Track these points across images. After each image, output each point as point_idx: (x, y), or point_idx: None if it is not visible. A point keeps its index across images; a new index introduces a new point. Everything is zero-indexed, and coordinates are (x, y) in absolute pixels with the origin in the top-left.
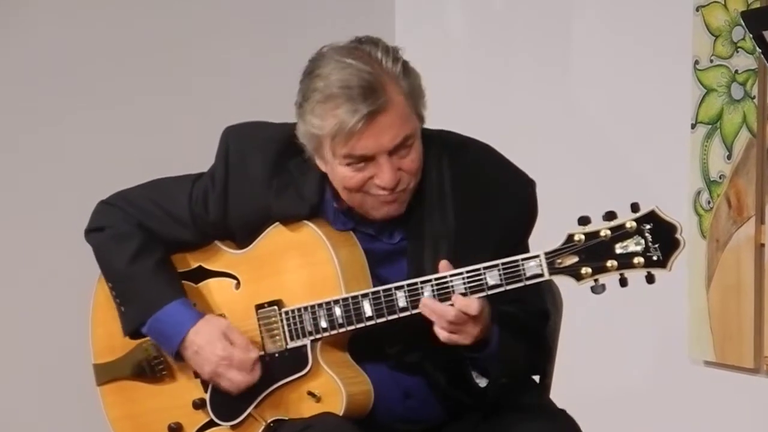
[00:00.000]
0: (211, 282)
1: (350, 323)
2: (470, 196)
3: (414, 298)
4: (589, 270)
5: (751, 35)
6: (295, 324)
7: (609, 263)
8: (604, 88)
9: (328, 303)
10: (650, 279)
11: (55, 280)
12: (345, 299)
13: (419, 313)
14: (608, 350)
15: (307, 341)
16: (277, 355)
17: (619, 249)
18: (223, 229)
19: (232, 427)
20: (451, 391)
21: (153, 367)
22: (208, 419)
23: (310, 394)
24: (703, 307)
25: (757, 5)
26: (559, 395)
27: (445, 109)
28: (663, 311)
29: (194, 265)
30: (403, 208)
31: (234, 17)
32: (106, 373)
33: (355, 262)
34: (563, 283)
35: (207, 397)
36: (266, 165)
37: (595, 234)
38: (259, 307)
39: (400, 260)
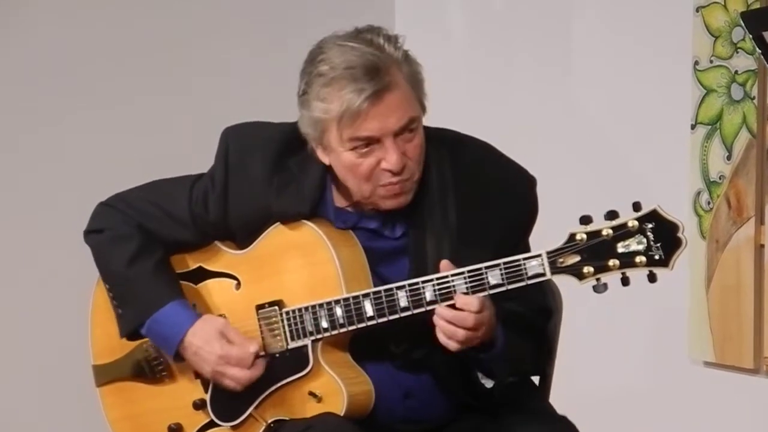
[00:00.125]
0: (212, 282)
1: (351, 323)
2: (471, 193)
3: (415, 298)
4: (591, 269)
5: (750, 36)
6: (295, 324)
7: (611, 262)
8: (604, 89)
9: (329, 303)
10: (652, 278)
11: (55, 280)
12: (346, 299)
13: (420, 313)
14: (608, 350)
15: (308, 341)
16: (277, 355)
17: (621, 248)
18: (223, 229)
19: (233, 427)
20: (453, 391)
21: (153, 367)
22: (208, 420)
23: (311, 394)
24: (703, 307)
25: (757, 6)
26: (559, 395)
27: (445, 109)
28: (663, 311)
29: (194, 265)
30: (410, 198)
31: (234, 17)
32: (105, 374)
33: (355, 262)
34: (565, 282)
35: (207, 397)
36: (266, 164)
37: (597, 233)
38: (259, 307)
39: (401, 259)
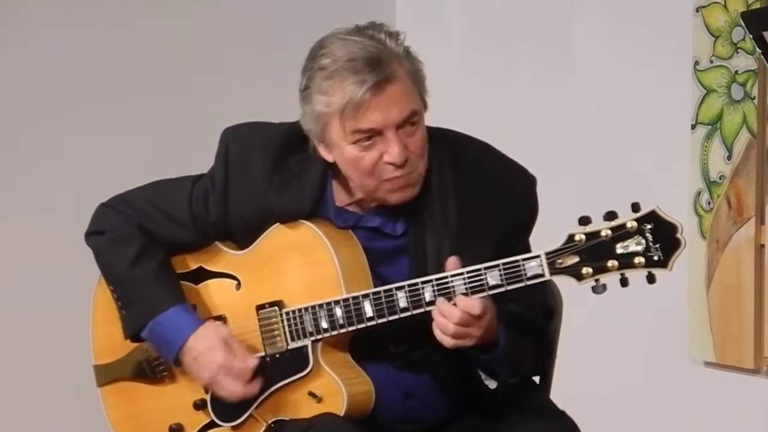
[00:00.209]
0: (212, 283)
1: (351, 324)
2: (471, 193)
3: (415, 299)
4: (590, 270)
5: (751, 36)
6: (295, 324)
7: (610, 263)
8: (605, 89)
9: (328, 303)
10: (651, 279)
11: (56, 280)
12: (346, 300)
13: (420, 314)
14: (608, 350)
15: (307, 342)
16: (277, 355)
17: (619, 249)
18: (223, 229)
19: (233, 428)
20: (452, 391)
21: (154, 368)
22: (209, 420)
23: (311, 394)
24: (703, 307)
25: (757, 6)
26: (559, 395)
27: (445, 109)
28: (663, 312)
29: (194, 266)
30: (416, 190)
31: (234, 17)
32: (106, 374)
33: (355, 262)
34: (564, 283)
35: (208, 397)
36: (266, 164)
37: (595, 234)
38: (259, 307)
39: (401, 259)
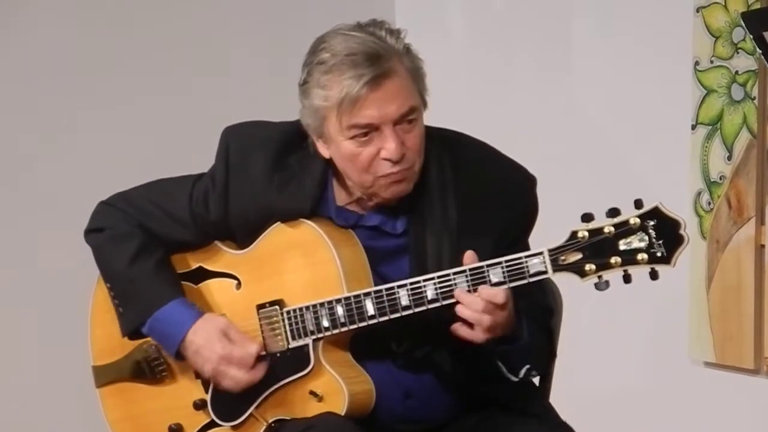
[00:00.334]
0: (212, 282)
1: (352, 322)
2: (471, 193)
3: (416, 297)
4: (593, 267)
5: (751, 36)
6: (296, 323)
7: (613, 260)
8: (605, 89)
9: (330, 302)
10: (654, 275)
11: (55, 280)
12: (347, 298)
13: (421, 312)
14: (608, 350)
15: (308, 341)
16: (278, 354)
17: (622, 245)
18: (223, 229)
19: (233, 427)
20: (453, 391)
21: (153, 368)
22: (208, 420)
23: (312, 393)
24: (704, 307)
25: (757, 6)
26: (559, 395)
27: (445, 109)
28: (663, 312)
29: (194, 265)
30: (410, 186)
31: (234, 17)
32: (105, 375)
33: (356, 261)
34: (566, 280)
35: (208, 397)
36: (267, 163)
37: (598, 231)
38: (260, 307)
39: (402, 258)
